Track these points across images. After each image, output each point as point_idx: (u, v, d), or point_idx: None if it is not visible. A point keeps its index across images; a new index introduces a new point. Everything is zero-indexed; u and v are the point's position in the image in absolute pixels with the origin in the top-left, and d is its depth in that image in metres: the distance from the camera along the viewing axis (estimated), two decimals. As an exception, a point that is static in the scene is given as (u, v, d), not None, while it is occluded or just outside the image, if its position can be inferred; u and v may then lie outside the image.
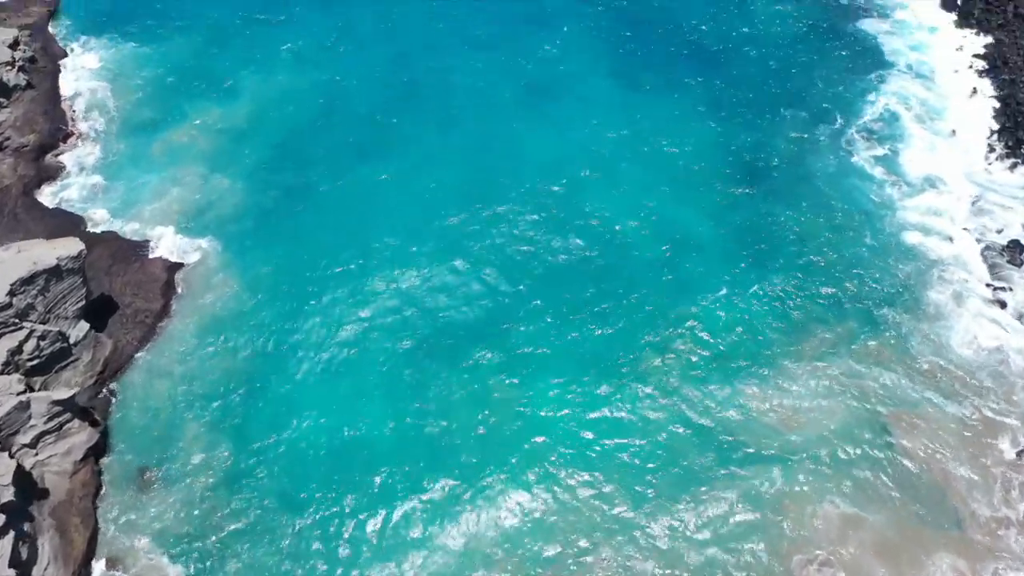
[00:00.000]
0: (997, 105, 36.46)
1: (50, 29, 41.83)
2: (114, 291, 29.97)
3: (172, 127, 37.55)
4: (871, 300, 30.23)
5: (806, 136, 36.02)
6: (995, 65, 38.22)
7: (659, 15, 42.55)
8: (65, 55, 40.49)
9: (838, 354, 28.57)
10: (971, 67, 38.54)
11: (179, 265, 31.51)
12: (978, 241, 31.82)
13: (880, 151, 35.15)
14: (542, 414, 26.78)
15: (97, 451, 25.68)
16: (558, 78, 39.23)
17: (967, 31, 40.31)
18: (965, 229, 32.16)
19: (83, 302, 27.43)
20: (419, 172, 34.82)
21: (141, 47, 41.00)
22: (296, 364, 28.55)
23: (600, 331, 29.04)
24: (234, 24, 42.27)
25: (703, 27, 41.72)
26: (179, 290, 30.78)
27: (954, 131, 35.81)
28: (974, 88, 37.32)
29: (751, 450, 25.74)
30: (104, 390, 27.46)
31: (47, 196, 34.09)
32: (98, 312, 29.09)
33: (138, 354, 28.89)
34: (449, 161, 35.17)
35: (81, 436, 25.22)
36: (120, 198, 34.47)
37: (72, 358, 26.97)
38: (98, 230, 32.91)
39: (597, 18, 42.61)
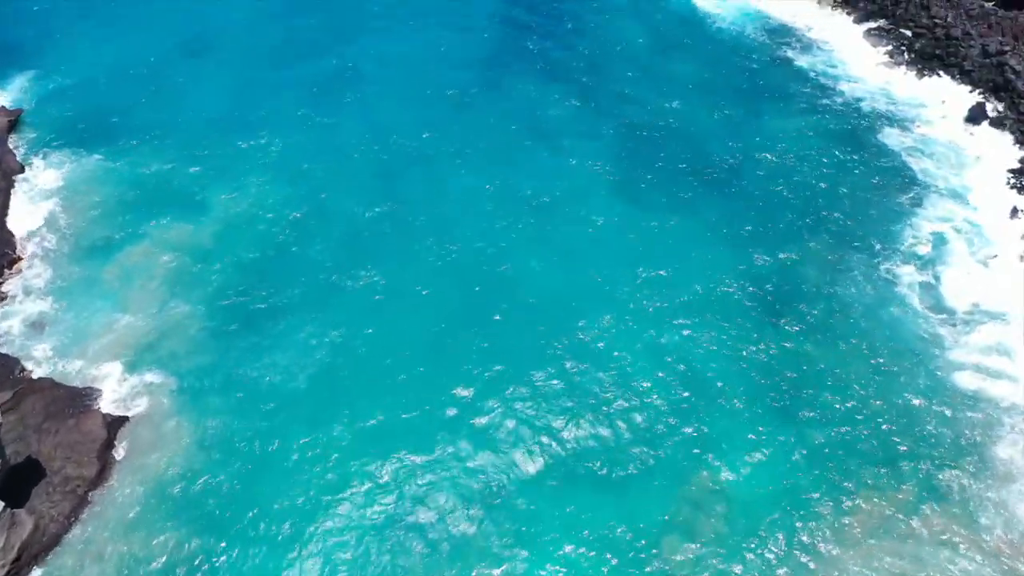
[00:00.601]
0: (1042, 225, 33.21)
1: (9, 142, 38.62)
2: (42, 455, 25.44)
3: (130, 247, 33.86)
4: (929, 459, 25.91)
5: (837, 262, 32.39)
6: (1033, 180, 35.25)
7: (666, 128, 39.60)
8: (22, 170, 37.20)
9: (895, 532, 24.06)
10: (1008, 183, 35.41)
11: (123, 419, 27.15)
12: (1047, 382, 27.85)
13: (923, 279, 31.41)
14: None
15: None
16: (559, 196, 35.89)
17: (1000, 143, 37.35)
18: (1030, 369, 28.23)
19: (-2, 473, 23.09)
20: (403, 309, 30.92)
21: (107, 161, 37.67)
22: (256, 547, 23.97)
23: (608, 505, 24.61)
24: (209, 135, 39.12)
25: (714, 141, 38.71)
26: (121, 450, 26.36)
27: (996, 255, 32.34)
28: (1014, 208, 34.07)
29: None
30: (18, 583, 22.77)
31: (-17, 331, 30.26)
32: (20, 482, 24.56)
33: (67, 533, 24.27)
34: (438, 296, 31.32)
35: (-21, 651, 20.41)
36: (65, 331, 30.51)
37: (-23, 545, 22.36)
38: (36, 373, 28.87)
39: (599, 130, 39.65)
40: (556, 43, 45.95)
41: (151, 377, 29.23)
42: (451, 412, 27.39)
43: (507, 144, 38.85)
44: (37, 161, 37.84)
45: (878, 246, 32.85)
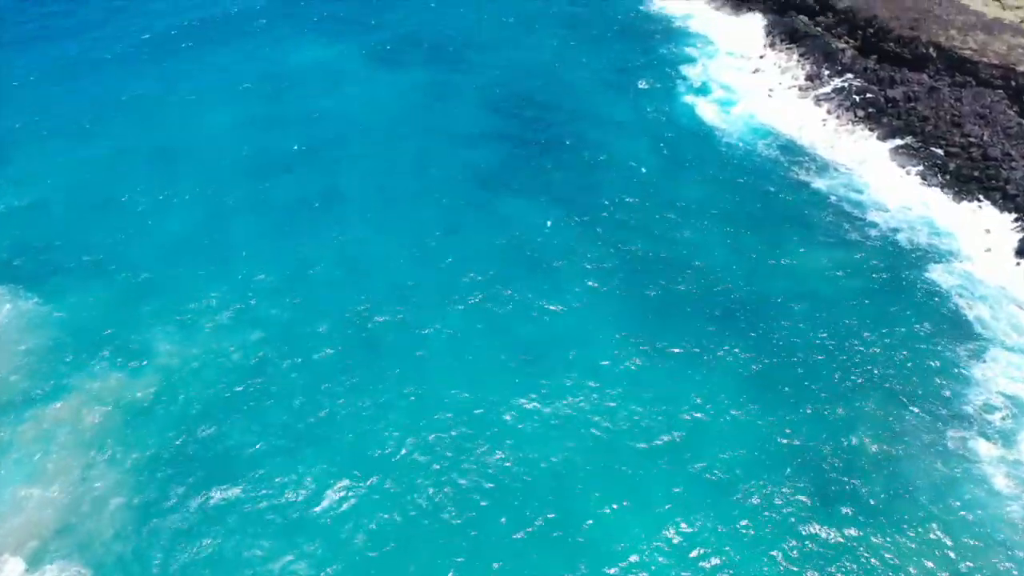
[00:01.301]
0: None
1: (-64, 281, 33.81)
2: None
3: (54, 403, 28.71)
4: None
5: (894, 428, 27.15)
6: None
7: (678, 261, 35.08)
8: (-57, 311, 32.28)
9: None
10: (1078, 330, 30.65)
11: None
12: None
13: (1003, 452, 26.13)
14: None
15: None
16: (559, 340, 30.96)
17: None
18: None
19: None
20: (371, 489, 25.43)
21: (43, 303, 32.59)
22: None
23: None
24: (162, 267, 34.38)
25: (735, 277, 34.11)
26: None
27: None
28: (1091, 360, 29.16)
29: None
30: None
31: None
32: None
33: None
34: (410, 470, 25.91)
35: None
36: (-41, 514, 24.99)
37: None
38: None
39: (603, 261, 35.13)
40: (554, 160, 42.02)
41: (58, 569, 23.91)
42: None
43: (499, 278, 34.10)
44: (-37, 301, 32.96)
45: (941, 409, 27.64)
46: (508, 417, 27.66)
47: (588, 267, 34.73)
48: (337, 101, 47.12)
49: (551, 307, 32.61)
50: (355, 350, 30.35)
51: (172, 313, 31.86)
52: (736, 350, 30.40)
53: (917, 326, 31.15)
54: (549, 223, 36.97)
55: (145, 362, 30.10)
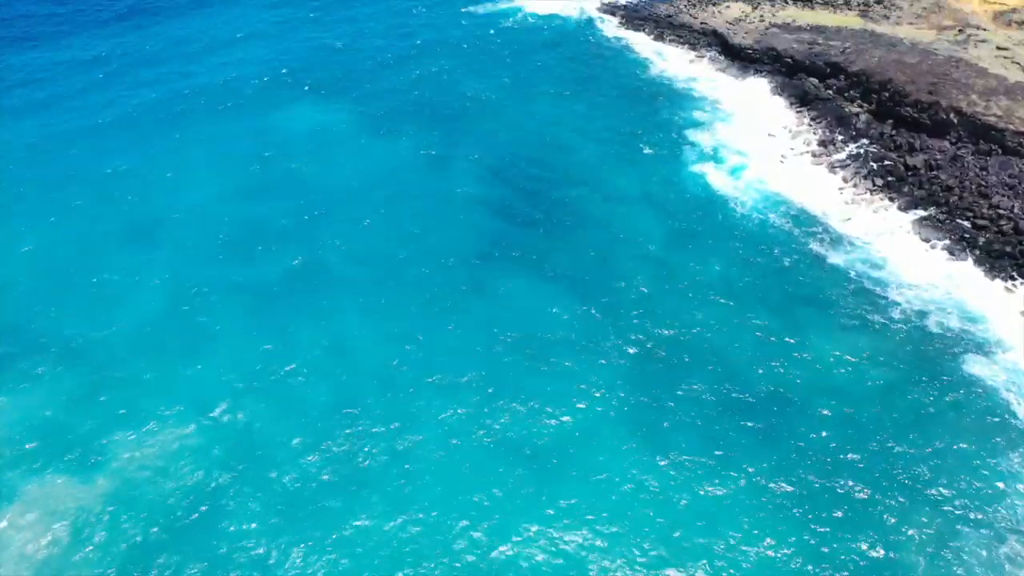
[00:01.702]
0: None
1: None
2: None
3: (-4, 514, 25.78)
4: None
5: (948, 549, 23.94)
6: None
7: (690, 346, 32.36)
8: None
9: None
10: None
11: None
12: None
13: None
14: None
15: None
16: (562, 439, 28.06)
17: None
18: None
19: None
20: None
21: (-5, 395, 30.07)
22: None
23: None
24: (128, 358, 31.64)
25: (749, 366, 31.29)
26: None
27: None
28: None
29: None
30: None
31: None
32: None
33: None
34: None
35: None
36: None
37: None
38: None
39: (608, 348, 32.40)
40: (556, 234, 39.55)
41: None
42: None
43: (496, 366, 31.35)
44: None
45: (1000, 522, 24.50)
46: (506, 552, 24.46)
47: (594, 358, 31.87)
48: (328, 170, 44.99)
49: (552, 398, 29.72)
50: (331, 468, 27.16)
51: (132, 413, 28.99)
52: (758, 452, 27.38)
53: (959, 425, 28.13)
54: (554, 310, 34.15)
55: (97, 468, 27.15)
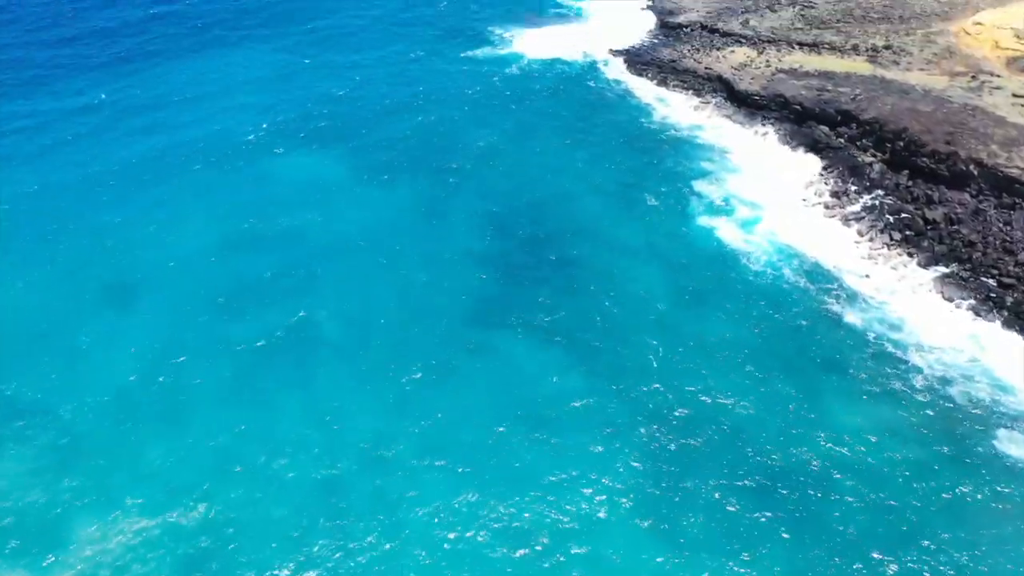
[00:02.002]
0: None
1: None
2: None
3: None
4: None
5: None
6: None
7: (701, 419, 30.27)
8: None
9: None
10: None
11: None
12: None
13: None
14: None
15: None
16: (563, 531, 25.75)
17: None
18: None
19: None
20: None
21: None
22: None
23: None
24: (99, 428, 29.65)
25: (768, 438, 29.22)
26: None
27: None
28: None
29: None
30: None
31: None
32: None
33: None
34: None
35: None
36: None
37: None
38: None
39: (613, 419, 30.37)
40: (558, 291, 37.62)
41: None
42: None
43: (495, 445, 29.20)
44: None
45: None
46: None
47: (598, 429, 29.77)
48: (323, 222, 43.25)
49: (553, 478, 27.53)
50: (312, 548, 25.01)
51: (98, 491, 26.88)
52: (780, 544, 25.08)
53: (998, 517, 25.75)
54: (556, 379, 32.09)
55: (56, 556, 24.92)
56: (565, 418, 30.37)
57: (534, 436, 29.58)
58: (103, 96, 60.21)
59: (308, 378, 32.27)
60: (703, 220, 42.70)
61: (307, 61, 65.22)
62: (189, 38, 71.62)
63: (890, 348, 33.85)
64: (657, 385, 31.70)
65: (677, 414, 30.38)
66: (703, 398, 31.08)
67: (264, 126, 53.99)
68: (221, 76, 63.07)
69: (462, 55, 65.82)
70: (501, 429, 29.67)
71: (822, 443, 28.81)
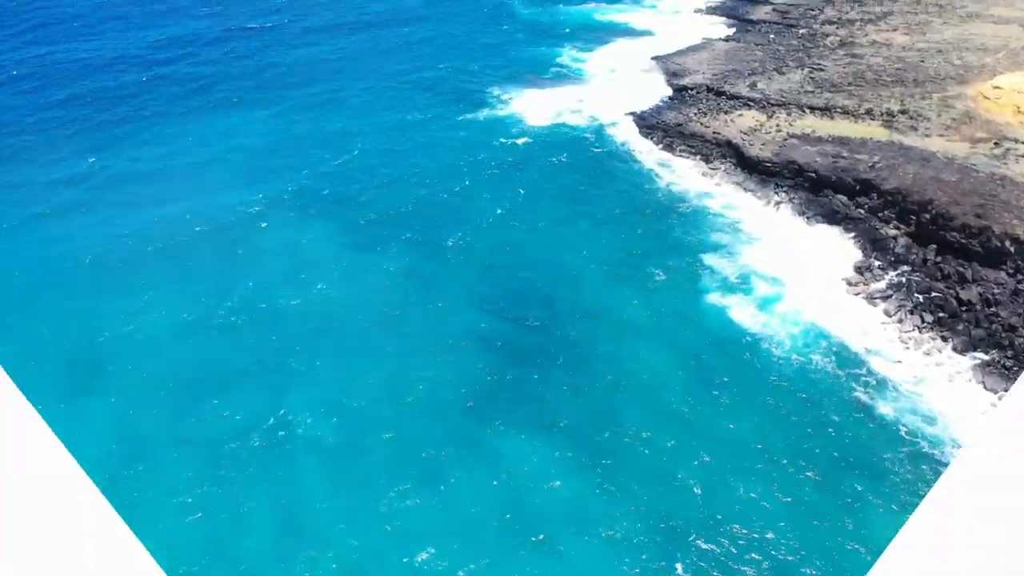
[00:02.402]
0: None
1: None
2: None
3: None
4: None
5: None
6: None
7: (727, 530, 26.85)
8: None
9: None
10: None
11: None
12: None
13: None
14: None
15: None
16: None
17: None
18: None
19: None
20: None
21: None
22: None
23: None
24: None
25: (798, 557, 25.72)
26: None
27: None
28: None
29: None
30: None
31: None
32: None
33: None
34: None
35: None
36: None
37: None
38: None
39: (620, 524, 27.00)
40: (558, 381, 34.44)
41: None
42: None
43: (487, 547, 25.80)
44: None
45: None
46: None
47: (601, 533, 26.32)
48: (306, 301, 40.27)
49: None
50: None
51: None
52: None
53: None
54: (557, 483, 28.70)
55: None
56: (565, 525, 26.89)
57: (529, 541, 26.13)
58: (94, 161, 58.14)
59: (279, 479, 28.96)
60: (717, 298, 39.69)
61: (304, 127, 63.25)
62: (184, 101, 69.94)
63: (926, 447, 30.42)
64: (670, 491, 28.28)
65: (691, 522, 26.90)
66: (720, 505, 27.62)
67: (253, 199, 51.47)
68: (215, 143, 61.01)
69: (461, 118, 63.87)
70: (494, 540, 26.24)
71: (857, 555, 25.19)
